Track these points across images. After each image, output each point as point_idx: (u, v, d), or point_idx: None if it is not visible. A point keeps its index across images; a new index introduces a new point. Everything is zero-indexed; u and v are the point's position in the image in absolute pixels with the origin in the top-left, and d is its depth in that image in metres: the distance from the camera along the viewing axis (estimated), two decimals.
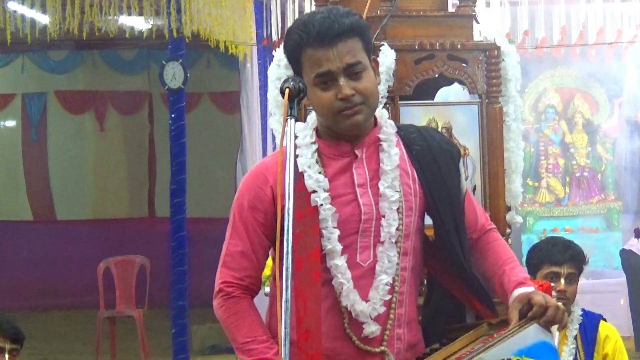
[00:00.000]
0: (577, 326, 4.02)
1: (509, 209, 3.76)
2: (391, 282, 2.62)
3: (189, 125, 8.38)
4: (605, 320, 4.13)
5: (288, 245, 2.35)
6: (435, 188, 2.70)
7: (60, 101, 13.07)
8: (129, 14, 8.08)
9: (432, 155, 2.72)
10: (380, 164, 2.66)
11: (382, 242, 2.62)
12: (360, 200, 2.64)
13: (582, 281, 4.24)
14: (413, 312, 2.71)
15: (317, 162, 2.66)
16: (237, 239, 2.70)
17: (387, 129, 2.70)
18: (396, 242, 2.64)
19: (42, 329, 11.57)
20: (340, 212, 2.62)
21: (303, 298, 2.56)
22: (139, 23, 9.74)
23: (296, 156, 2.67)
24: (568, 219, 10.24)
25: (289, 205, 2.38)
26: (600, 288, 9.11)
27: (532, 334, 2.50)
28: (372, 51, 2.70)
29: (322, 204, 2.62)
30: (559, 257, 4.00)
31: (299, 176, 2.64)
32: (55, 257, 12.59)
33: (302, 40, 2.61)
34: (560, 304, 2.60)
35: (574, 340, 4.01)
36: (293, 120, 2.48)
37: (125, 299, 9.51)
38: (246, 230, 2.68)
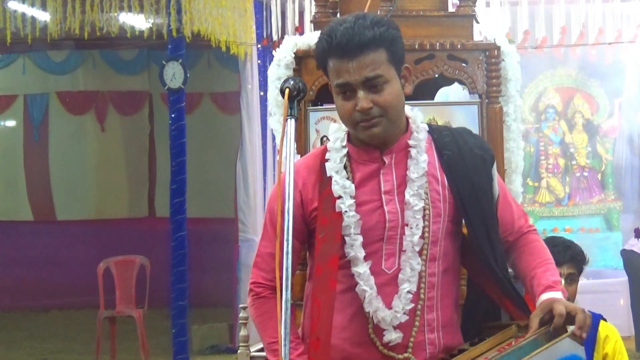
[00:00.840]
0: None
1: None
2: (415, 290, 2.62)
3: (191, 125, 8.38)
4: (605, 320, 4.13)
5: (288, 245, 2.37)
6: (465, 194, 2.68)
7: (62, 102, 13.06)
8: (130, 11, 8.07)
9: (462, 161, 2.70)
10: (407, 172, 2.65)
11: (405, 251, 2.62)
12: (386, 208, 2.64)
13: (582, 281, 4.24)
14: (449, 315, 2.70)
15: (345, 167, 2.68)
16: (267, 241, 2.74)
17: (418, 134, 2.69)
18: (421, 250, 2.63)
19: (42, 329, 11.58)
20: (365, 219, 2.63)
21: (318, 306, 2.60)
22: (139, 23, 9.73)
23: (326, 160, 2.69)
24: (568, 219, 10.24)
25: (289, 205, 2.39)
26: (600, 288, 9.10)
27: (564, 347, 2.50)
28: (402, 60, 2.66)
29: (346, 211, 2.63)
30: (559, 258, 4.00)
31: (327, 180, 2.66)
32: (56, 257, 12.58)
33: (325, 50, 2.61)
34: (584, 308, 2.61)
35: None
36: (293, 120, 2.49)
37: (125, 299, 9.50)
38: (276, 235, 2.68)
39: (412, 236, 2.62)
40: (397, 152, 2.67)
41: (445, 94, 4.14)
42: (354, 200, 2.63)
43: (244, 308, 4.93)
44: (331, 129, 2.74)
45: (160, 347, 9.67)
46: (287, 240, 2.37)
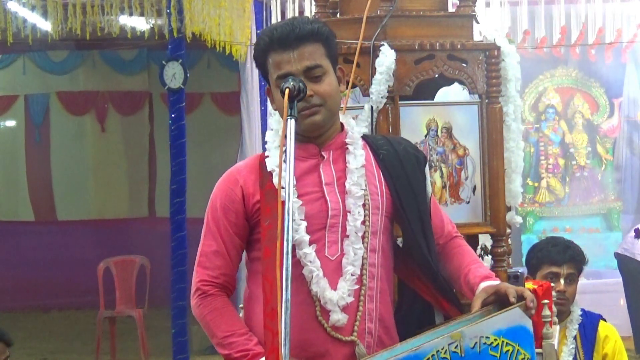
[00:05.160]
0: (577, 326, 4.03)
1: (509, 209, 3.76)
2: (358, 273, 2.71)
3: (190, 125, 8.37)
4: (604, 320, 4.14)
5: (288, 245, 2.40)
6: (402, 190, 2.80)
7: (62, 102, 13.07)
8: (130, 15, 8.07)
9: (398, 159, 2.83)
10: (347, 164, 2.77)
11: (348, 236, 2.72)
12: (328, 198, 2.74)
13: (582, 281, 4.24)
14: (386, 311, 2.78)
15: (284, 161, 2.73)
16: (211, 239, 2.80)
17: (354, 134, 2.82)
18: (363, 237, 2.73)
19: (42, 329, 11.58)
20: (308, 208, 2.72)
21: (270, 281, 2.64)
22: (139, 23, 9.74)
23: (266, 157, 2.80)
24: (568, 219, 10.24)
25: (289, 205, 2.43)
26: (600, 288, 9.11)
27: (513, 317, 2.57)
28: (337, 60, 2.81)
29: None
30: (558, 258, 4.01)
31: (267, 176, 2.75)
32: (56, 257, 12.58)
33: (266, 46, 2.73)
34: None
35: (574, 340, 4.01)
36: (293, 120, 2.52)
37: (125, 299, 9.51)
38: (219, 231, 2.79)
39: (355, 221, 2.72)
40: (334, 149, 2.79)
41: (445, 94, 4.13)
42: (294, 188, 2.69)
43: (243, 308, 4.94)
44: (268, 134, 2.87)
45: (160, 347, 9.68)
46: (287, 240, 2.39)
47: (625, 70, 10.14)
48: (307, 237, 2.70)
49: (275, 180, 2.73)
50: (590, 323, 4.07)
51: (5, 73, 13.08)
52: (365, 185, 2.76)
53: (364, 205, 2.74)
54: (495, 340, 2.53)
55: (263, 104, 9.14)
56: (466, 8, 3.84)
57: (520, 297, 2.61)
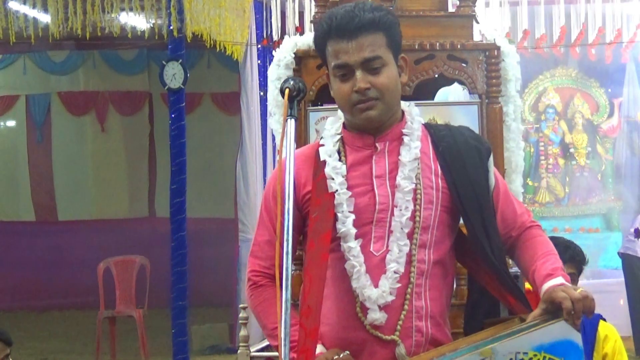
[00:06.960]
0: None
1: None
2: (402, 271, 2.61)
3: (190, 125, 8.37)
4: (604, 320, 4.14)
5: (288, 246, 2.38)
6: (461, 184, 2.68)
7: (64, 102, 13.07)
8: (130, 11, 8.06)
9: (458, 152, 2.71)
10: (399, 157, 2.67)
11: (393, 232, 2.62)
12: (377, 191, 2.65)
13: (582, 281, 4.24)
14: (438, 308, 2.68)
15: (339, 152, 2.70)
16: (263, 229, 2.75)
17: (413, 124, 2.71)
18: (411, 234, 2.63)
19: (42, 329, 11.58)
20: (356, 201, 2.65)
21: (310, 277, 2.58)
22: (139, 23, 9.73)
23: (321, 145, 2.72)
24: (568, 219, 10.24)
25: (289, 205, 2.40)
26: (600, 288, 9.08)
27: (557, 330, 2.45)
28: (400, 49, 2.70)
29: (337, 190, 2.65)
30: None
31: (321, 166, 2.68)
32: (56, 257, 12.59)
33: (325, 32, 2.65)
34: (586, 292, 2.53)
35: None
36: (293, 120, 2.51)
37: (125, 299, 9.51)
38: (271, 220, 2.72)
39: (401, 217, 2.62)
40: (390, 140, 2.69)
41: (445, 94, 4.14)
42: (344, 179, 2.65)
43: (244, 308, 4.94)
44: (329, 121, 2.78)
45: (160, 347, 9.68)
46: (287, 240, 2.38)
47: (625, 70, 10.14)
48: (353, 231, 2.62)
49: (327, 170, 2.66)
50: (590, 323, 4.06)
51: (6, 73, 13.08)
52: (419, 178, 2.65)
53: (414, 199, 2.63)
54: (535, 355, 2.42)
55: (263, 104, 9.14)
56: (466, 8, 3.85)
57: (571, 304, 2.46)
